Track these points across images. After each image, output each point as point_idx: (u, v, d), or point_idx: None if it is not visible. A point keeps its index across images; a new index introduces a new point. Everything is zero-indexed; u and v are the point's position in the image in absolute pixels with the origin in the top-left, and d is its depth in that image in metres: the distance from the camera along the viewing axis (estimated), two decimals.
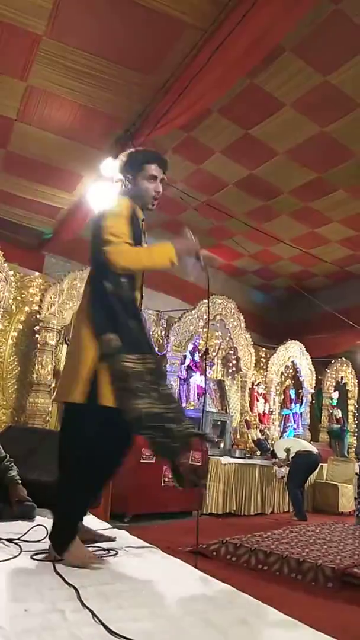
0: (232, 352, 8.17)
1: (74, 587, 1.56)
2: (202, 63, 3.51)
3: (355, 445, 10.24)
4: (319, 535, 4.83)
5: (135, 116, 4.61)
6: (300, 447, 6.48)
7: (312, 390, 9.47)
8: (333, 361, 10.11)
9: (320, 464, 7.80)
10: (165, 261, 2.02)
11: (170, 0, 3.62)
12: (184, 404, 7.09)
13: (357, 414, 10.34)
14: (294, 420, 9.39)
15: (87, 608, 1.39)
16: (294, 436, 7.46)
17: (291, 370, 9.66)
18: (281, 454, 6.62)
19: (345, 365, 10.20)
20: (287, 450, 6.51)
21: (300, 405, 9.45)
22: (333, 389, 10.21)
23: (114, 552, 2.09)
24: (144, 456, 5.29)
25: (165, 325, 7.35)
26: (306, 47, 4.24)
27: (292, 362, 9.27)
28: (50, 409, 5.82)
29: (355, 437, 10.32)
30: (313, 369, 9.48)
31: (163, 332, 7.27)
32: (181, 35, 3.93)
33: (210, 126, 5.22)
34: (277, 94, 4.81)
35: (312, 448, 6.59)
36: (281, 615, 1.53)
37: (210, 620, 1.39)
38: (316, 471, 7.42)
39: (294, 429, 9.17)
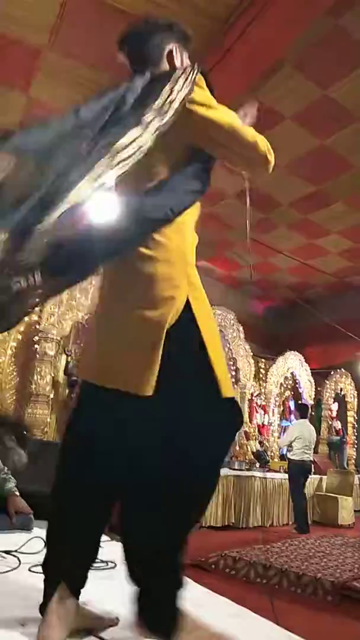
0: (232, 362, 8.17)
1: None
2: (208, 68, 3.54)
3: (354, 457, 10.20)
4: (318, 549, 4.79)
5: None
6: (301, 445, 6.46)
7: (312, 402, 9.44)
8: (332, 372, 10.11)
9: (320, 476, 7.77)
10: None
11: (171, 14, 3.67)
12: None
13: (356, 426, 10.31)
14: None
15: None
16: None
17: (290, 382, 9.66)
18: (285, 440, 6.72)
19: (344, 376, 10.19)
20: (290, 443, 6.56)
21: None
22: (332, 400, 10.19)
23: (113, 565, 2.08)
24: None
25: None
26: (305, 61, 4.30)
27: (292, 373, 9.27)
28: (49, 419, 5.80)
29: (354, 449, 10.28)
30: (312, 380, 9.47)
31: None
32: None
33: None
34: (277, 107, 4.86)
35: (306, 457, 6.52)
36: (280, 630, 1.52)
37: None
38: (315, 483, 7.39)
39: None
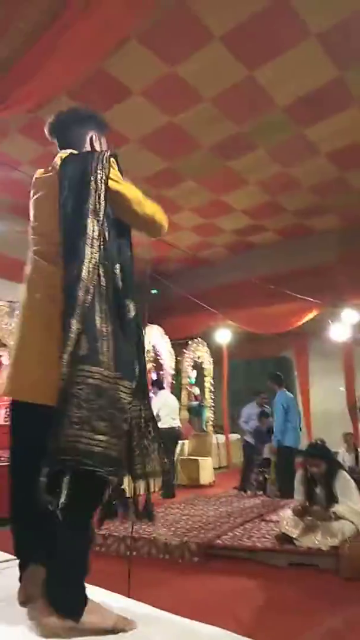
0: None
1: None
2: (46, 44, 3.32)
3: (212, 419, 10.93)
4: (183, 512, 5.08)
5: None
6: (166, 413, 6.72)
7: (172, 372, 9.82)
8: (190, 342, 10.59)
9: (182, 441, 8.19)
10: None
11: None
12: None
13: (213, 390, 11.01)
14: None
15: None
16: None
17: (152, 354, 9.90)
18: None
19: (201, 345, 10.75)
20: (157, 415, 6.76)
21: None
22: (191, 368, 10.73)
23: None
24: (2, 458, 5.03)
25: None
26: (153, 37, 4.26)
27: (153, 346, 9.49)
28: None
29: (212, 412, 11.00)
30: (172, 351, 9.83)
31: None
32: (24, 11, 3.67)
33: (57, 110, 4.99)
34: (125, 81, 4.78)
35: (174, 423, 6.86)
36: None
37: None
38: (178, 448, 7.77)
39: None
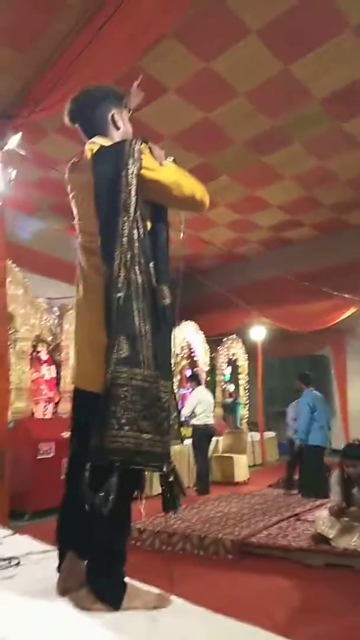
0: None
1: None
2: (82, 45, 3.37)
3: (247, 416, 10.88)
4: (217, 509, 5.08)
5: (14, 96, 4.33)
6: (201, 410, 6.77)
7: (207, 368, 9.83)
8: (225, 339, 10.57)
9: (216, 438, 8.18)
10: None
11: None
12: None
13: (247, 387, 10.96)
14: None
15: None
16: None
17: (186, 351, 9.93)
18: (187, 409, 6.92)
19: (235, 342, 10.71)
20: (192, 412, 6.80)
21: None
22: (226, 365, 10.70)
23: (16, 561, 2.02)
24: (42, 451, 5.16)
25: (58, 313, 7.13)
26: (187, 33, 4.25)
27: (187, 342, 9.52)
28: None
29: (247, 409, 10.95)
30: (207, 348, 9.83)
31: (56, 321, 7.05)
32: (61, 14, 3.75)
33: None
34: (161, 79, 4.80)
35: (209, 421, 6.89)
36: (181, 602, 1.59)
37: (120, 623, 1.40)
38: (212, 445, 7.76)
39: None
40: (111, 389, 1.45)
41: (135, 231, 1.57)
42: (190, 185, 1.69)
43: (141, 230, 1.59)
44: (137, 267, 1.55)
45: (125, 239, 1.54)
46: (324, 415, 6.13)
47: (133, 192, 1.56)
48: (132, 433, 1.44)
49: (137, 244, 1.57)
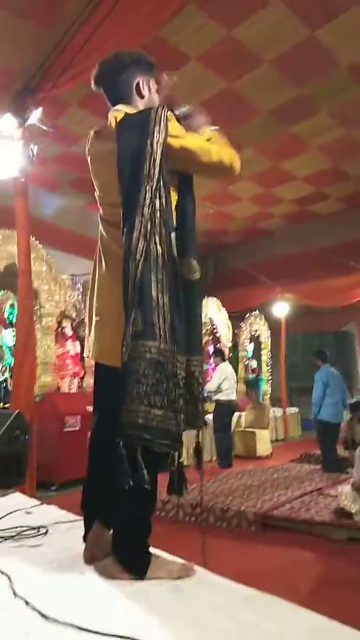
0: None
1: (7, 575, 1.54)
2: (103, 15, 3.29)
3: (269, 392, 10.88)
4: (240, 482, 5.14)
5: (35, 70, 4.28)
6: (227, 386, 6.84)
7: (230, 344, 9.82)
8: (247, 315, 10.51)
9: (239, 413, 8.23)
10: None
11: None
12: None
13: (270, 363, 10.94)
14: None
15: (20, 597, 1.38)
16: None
17: (209, 327, 9.92)
18: (214, 384, 6.94)
19: (258, 318, 10.65)
20: (219, 387, 6.84)
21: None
22: (248, 341, 10.68)
23: (44, 531, 2.08)
24: (68, 424, 5.27)
25: (81, 290, 7.19)
26: (208, 0, 4.11)
27: (210, 318, 9.51)
28: None
29: (269, 385, 10.95)
30: (230, 324, 9.80)
31: (80, 297, 7.11)
32: None
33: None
34: (182, 48, 4.67)
35: (233, 396, 6.96)
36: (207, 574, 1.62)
37: (145, 592, 1.44)
38: (235, 419, 7.82)
39: None
40: (127, 362, 1.44)
41: (157, 201, 1.52)
42: (218, 151, 1.63)
43: (163, 200, 1.54)
44: (157, 237, 1.51)
45: (147, 209, 1.50)
46: (338, 392, 6.18)
47: (158, 161, 1.52)
48: (142, 407, 1.41)
49: (158, 214, 1.52)
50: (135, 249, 1.47)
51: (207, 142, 1.64)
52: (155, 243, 1.50)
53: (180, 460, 1.57)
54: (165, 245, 1.52)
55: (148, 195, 1.51)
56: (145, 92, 1.76)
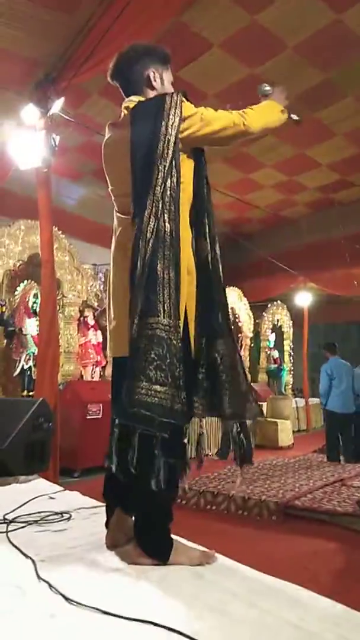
0: None
1: (31, 559, 1.57)
2: (125, 2, 3.26)
3: (291, 382, 10.81)
4: (261, 472, 5.13)
5: (56, 59, 4.28)
6: None
7: (251, 334, 9.77)
8: (269, 305, 10.43)
9: (260, 403, 8.20)
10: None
11: None
12: None
13: (292, 354, 10.85)
14: None
15: (44, 580, 1.41)
16: None
17: (231, 316, 9.89)
18: None
19: (280, 308, 10.55)
20: None
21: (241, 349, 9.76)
22: (270, 331, 10.60)
23: (67, 516, 2.12)
24: (90, 412, 5.34)
25: (103, 279, 7.23)
26: None
27: (231, 308, 9.47)
28: None
29: (291, 376, 10.87)
30: (251, 314, 9.75)
31: (102, 287, 7.16)
32: None
33: None
34: (205, 34, 4.61)
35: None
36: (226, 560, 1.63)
37: (166, 577, 1.46)
38: None
39: None
40: (132, 342, 1.43)
41: (169, 180, 1.53)
42: (226, 117, 1.67)
43: (174, 179, 1.55)
44: (166, 215, 1.51)
45: (158, 189, 1.51)
46: (345, 383, 6.16)
47: (172, 142, 1.54)
48: (142, 384, 1.38)
49: (169, 192, 1.53)
50: (146, 227, 1.48)
51: (207, 113, 1.66)
52: (165, 220, 1.51)
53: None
54: (173, 223, 1.52)
55: (160, 175, 1.52)
56: (156, 83, 1.76)
